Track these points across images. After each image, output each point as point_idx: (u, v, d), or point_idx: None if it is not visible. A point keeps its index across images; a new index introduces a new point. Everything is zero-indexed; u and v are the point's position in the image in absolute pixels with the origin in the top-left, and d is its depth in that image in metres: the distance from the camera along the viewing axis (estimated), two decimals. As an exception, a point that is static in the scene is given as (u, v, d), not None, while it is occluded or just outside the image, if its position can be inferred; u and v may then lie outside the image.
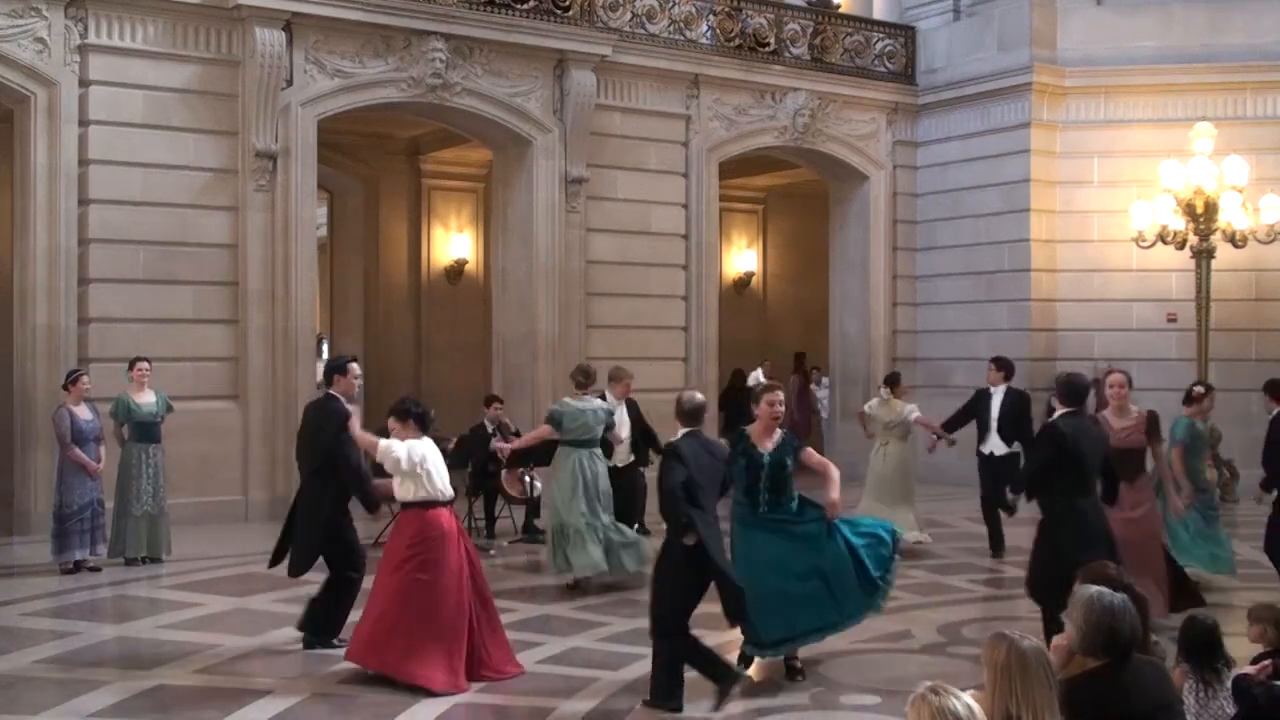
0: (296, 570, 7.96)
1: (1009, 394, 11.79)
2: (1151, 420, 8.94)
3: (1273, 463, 9.27)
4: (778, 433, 7.39)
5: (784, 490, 7.33)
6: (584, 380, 10.35)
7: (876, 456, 12.07)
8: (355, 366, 8.46)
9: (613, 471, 10.68)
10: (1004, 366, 11.99)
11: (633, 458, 11.57)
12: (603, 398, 10.88)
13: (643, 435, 11.70)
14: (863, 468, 17.07)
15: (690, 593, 6.59)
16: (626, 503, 10.91)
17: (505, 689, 7.08)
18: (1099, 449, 7.46)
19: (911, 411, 12.06)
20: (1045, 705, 3.48)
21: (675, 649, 6.58)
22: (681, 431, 6.79)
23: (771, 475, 7.28)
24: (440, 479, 7.18)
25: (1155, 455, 9.24)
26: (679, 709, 6.54)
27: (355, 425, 7.77)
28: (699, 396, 7.02)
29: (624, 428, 11.29)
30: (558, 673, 7.42)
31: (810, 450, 7.51)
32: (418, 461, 7.08)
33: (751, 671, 7.41)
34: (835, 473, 7.35)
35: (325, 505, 7.81)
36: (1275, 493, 9.22)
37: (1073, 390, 7.49)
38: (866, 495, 11.89)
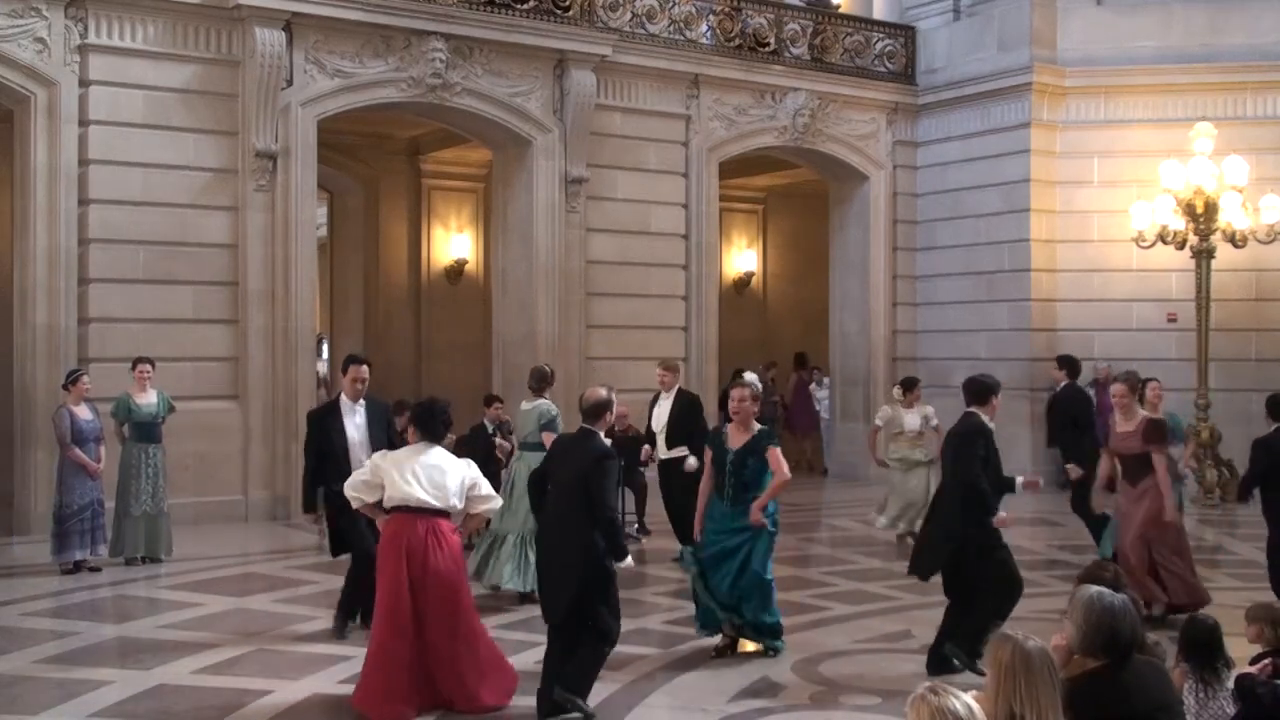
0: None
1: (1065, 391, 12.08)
2: (1150, 428, 8.86)
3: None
4: (755, 429, 7.65)
5: (750, 487, 7.61)
6: (536, 385, 10.02)
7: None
8: (357, 368, 8.47)
9: (661, 465, 11.08)
10: (1064, 365, 12.21)
11: (683, 451, 11.07)
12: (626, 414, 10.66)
13: (684, 427, 11.25)
14: (863, 468, 17.24)
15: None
16: (682, 493, 10.72)
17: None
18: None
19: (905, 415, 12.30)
20: (1049, 706, 3.48)
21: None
22: (578, 427, 6.84)
23: (734, 472, 7.62)
24: (395, 483, 6.58)
25: (1155, 461, 8.84)
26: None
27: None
28: (601, 394, 6.85)
29: (658, 420, 11.25)
30: (558, 673, 7.41)
31: (775, 451, 7.64)
32: (362, 480, 6.78)
33: (751, 667, 7.45)
34: (777, 481, 7.59)
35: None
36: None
37: (969, 391, 7.70)
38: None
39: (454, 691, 6.61)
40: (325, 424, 8.40)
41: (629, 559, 6.50)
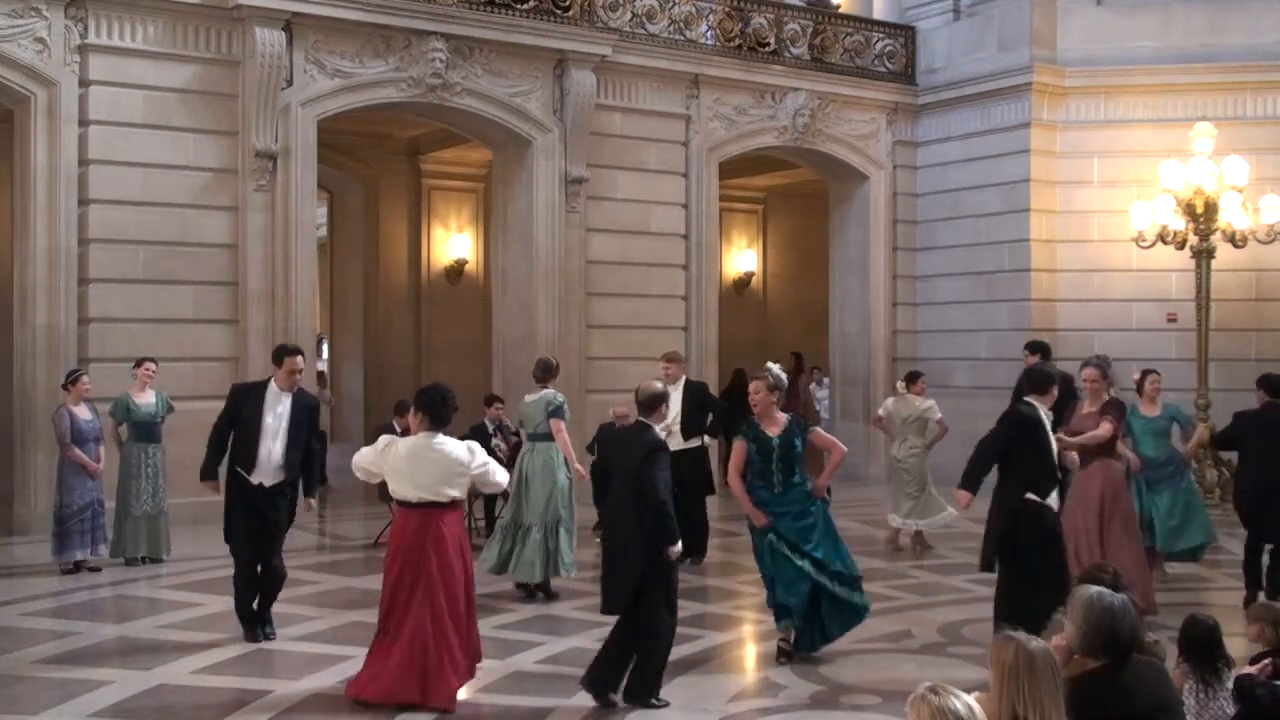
0: None
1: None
2: (1109, 403, 8.85)
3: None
4: (783, 416, 7.71)
5: (794, 471, 7.65)
6: (541, 375, 10.01)
7: (899, 450, 12.31)
8: (293, 359, 8.13)
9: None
10: (1036, 349, 12.18)
11: (698, 443, 11.19)
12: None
13: (699, 415, 11.24)
14: (863, 467, 17.26)
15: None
16: (697, 487, 10.87)
17: (505, 688, 7.08)
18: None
19: (931, 410, 12.07)
20: (1053, 706, 3.48)
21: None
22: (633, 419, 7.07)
23: (782, 457, 7.61)
24: (393, 482, 6.78)
25: (1101, 423, 8.81)
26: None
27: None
28: (657, 387, 7.07)
29: (669, 414, 11.15)
30: (558, 672, 7.42)
31: (819, 430, 7.94)
32: (363, 469, 6.94)
33: (751, 667, 7.46)
34: (837, 455, 7.84)
35: None
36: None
37: (1031, 380, 7.93)
38: (894, 485, 12.34)
39: (424, 682, 6.59)
40: (245, 403, 8.16)
41: (678, 546, 6.64)
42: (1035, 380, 7.83)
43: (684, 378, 11.55)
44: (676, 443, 10.98)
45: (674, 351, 12.13)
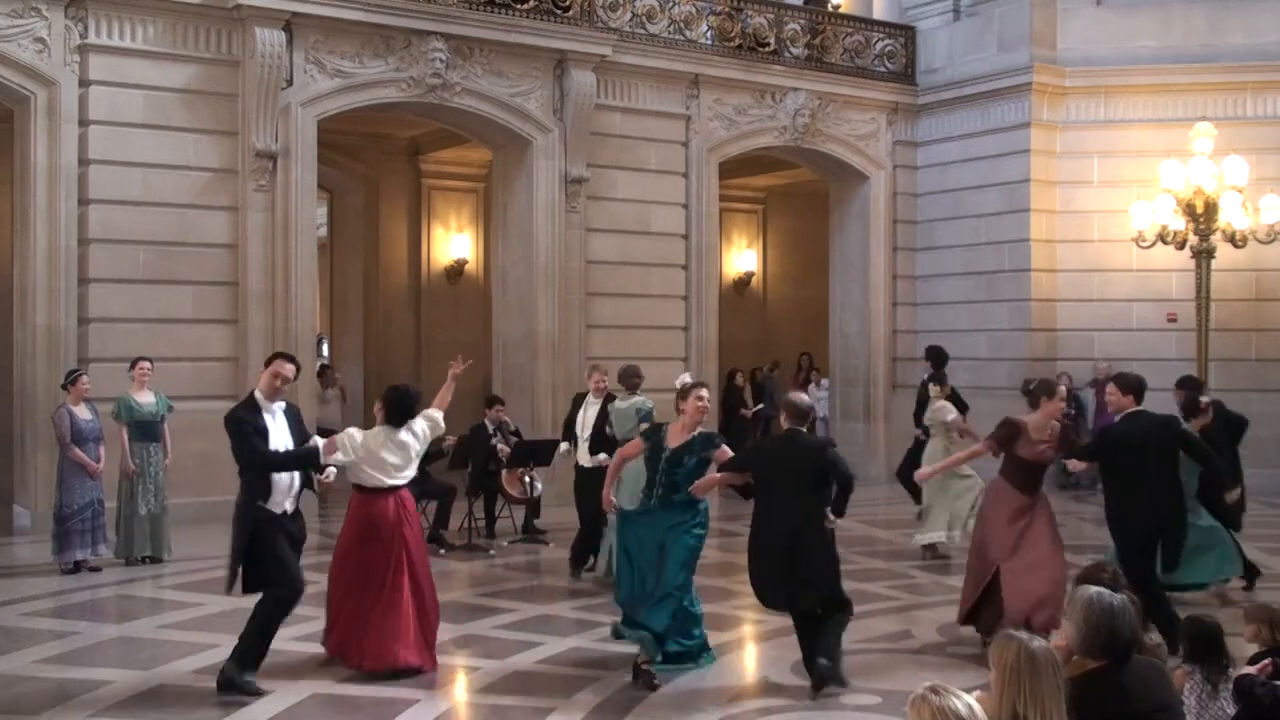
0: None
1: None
2: (1065, 435, 8.14)
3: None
4: (697, 431, 7.48)
5: (679, 489, 7.41)
6: (631, 383, 10.41)
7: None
8: (282, 364, 7.31)
9: (581, 472, 10.58)
10: (929, 356, 12.90)
11: (603, 459, 10.21)
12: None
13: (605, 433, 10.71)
14: (862, 469, 17.25)
15: None
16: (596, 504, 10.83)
17: (505, 688, 7.08)
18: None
19: (942, 411, 11.68)
20: (1054, 706, 3.48)
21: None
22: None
23: (667, 470, 7.41)
24: (370, 473, 7.39)
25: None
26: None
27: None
28: (805, 399, 7.54)
29: (583, 425, 10.68)
30: (558, 673, 7.43)
31: (724, 449, 7.58)
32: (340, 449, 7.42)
33: (751, 667, 7.45)
34: (712, 476, 7.59)
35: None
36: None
37: (1136, 389, 8.02)
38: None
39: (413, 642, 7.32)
40: (256, 427, 7.16)
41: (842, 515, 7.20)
42: (1137, 387, 7.97)
43: (607, 391, 10.95)
44: (584, 458, 10.60)
45: (600, 364, 11.66)
